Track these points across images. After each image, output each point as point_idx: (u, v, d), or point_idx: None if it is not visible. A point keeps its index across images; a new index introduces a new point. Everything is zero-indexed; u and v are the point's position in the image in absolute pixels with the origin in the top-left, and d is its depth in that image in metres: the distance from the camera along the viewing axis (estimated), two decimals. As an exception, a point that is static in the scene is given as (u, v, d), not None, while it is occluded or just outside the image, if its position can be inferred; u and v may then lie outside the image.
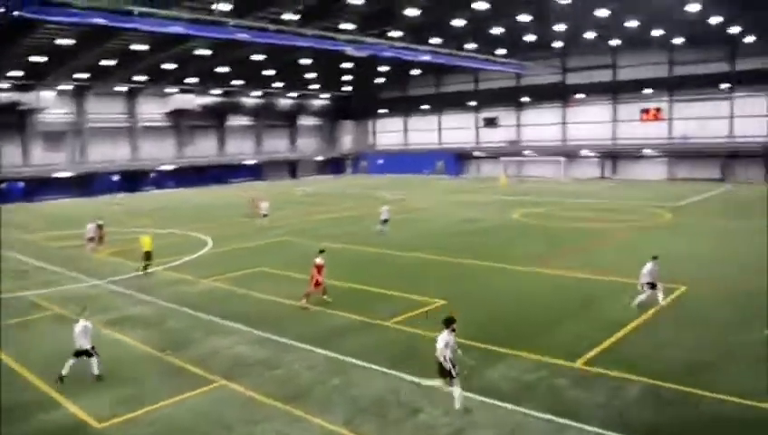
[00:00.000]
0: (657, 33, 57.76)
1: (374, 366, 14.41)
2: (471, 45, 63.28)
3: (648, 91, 69.89)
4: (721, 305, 18.68)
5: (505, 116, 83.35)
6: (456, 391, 12.05)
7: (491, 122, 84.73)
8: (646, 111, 71.18)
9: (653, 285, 18.55)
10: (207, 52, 61.46)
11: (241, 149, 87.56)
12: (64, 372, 14.07)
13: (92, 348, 14.27)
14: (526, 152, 79.40)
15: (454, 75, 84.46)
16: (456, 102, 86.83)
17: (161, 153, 78.62)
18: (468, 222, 38.30)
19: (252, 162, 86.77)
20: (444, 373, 12.15)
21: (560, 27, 55.99)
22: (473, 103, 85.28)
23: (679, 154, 68.77)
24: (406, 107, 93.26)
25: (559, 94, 77.39)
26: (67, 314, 19.86)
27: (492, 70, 71.74)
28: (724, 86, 65.04)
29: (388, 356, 15.05)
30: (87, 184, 69.87)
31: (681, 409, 11.83)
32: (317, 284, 19.99)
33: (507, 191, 59.49)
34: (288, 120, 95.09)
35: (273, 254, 29.50)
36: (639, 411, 11.75)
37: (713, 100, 66.60)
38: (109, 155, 73.37)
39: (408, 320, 17.95)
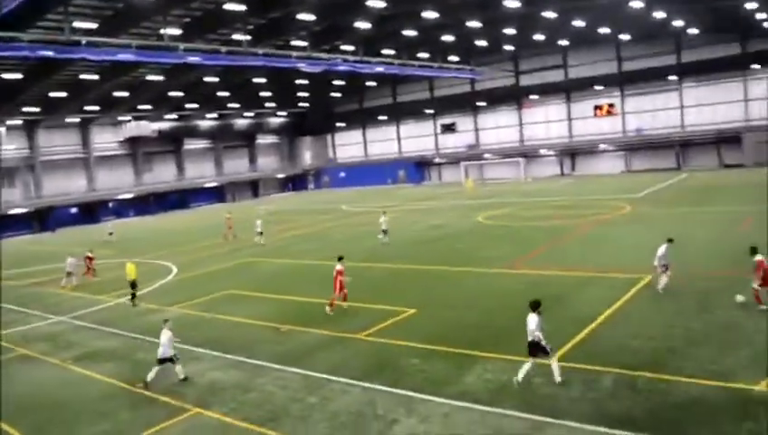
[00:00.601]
0: (604, 30, 59.01)
1: (349, 380, 14.37)
2: (424, 54, 63.89)
3: (599, 87, 71.32)
4: (683, 291, 19.03)
5: (463, 121, 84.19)
6: (555, 364, 13.20)
7: (449, 128, 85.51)
8: (599, 107, 72.60)
9: (666, 268, 19.12)
10: (159, 77, 60.97)
11: (201, 173, 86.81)
12: (149, 378, 15.18)
13: (175, 356, 15.54)
14: (486, 155, 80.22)
15: (409, 84, 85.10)
16: (413, 111, 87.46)
17: (119, 182, 77.49)
18: (434, 229, 38.49)
19: (213, 184, 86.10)
20: (538, 351, 13.25)
21: (510, 31, 56.87)
22: (430, 111, 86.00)
23: (635, 147, 70.22)
24: (363, 119, 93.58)
25: (513, 96, 78.49)
26: (32, 355, 19.41)
27: (446, 77, 72.46)
28: (672, 78, 66.72)
29: (362, 369, 15.02)
30: (44, 219, 68.50)
31: (654, 396, 12.02)
32: (340, 288, 20.67)
33: (470, 195, 60.00)
34: (246, 139, 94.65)
35: (239, 276, 29.26)
36: (614, 403, 11.92)
37: (663, 92, 68.26)
38: (64, 188, 72.06)
39: (380, 331, 17.95)
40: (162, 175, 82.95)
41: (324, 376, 14.81)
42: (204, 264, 33.44)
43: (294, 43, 51.72)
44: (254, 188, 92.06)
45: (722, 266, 21.71)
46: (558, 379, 13.01)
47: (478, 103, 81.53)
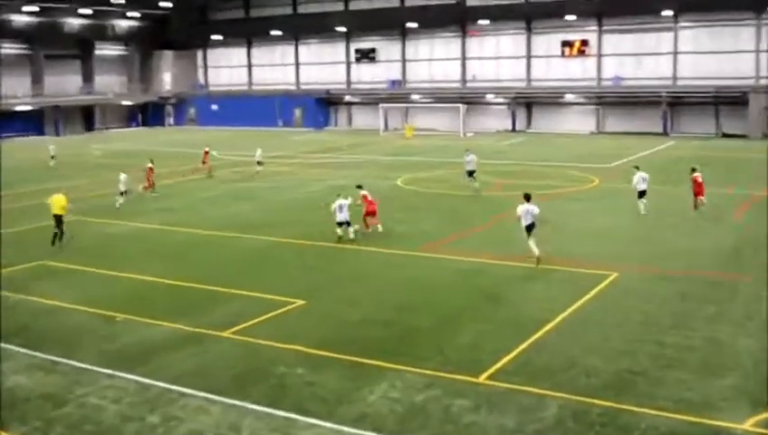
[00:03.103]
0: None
1: (207, 394, 14.28)
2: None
3: (570, 17, 72.53)
4: (656, 296, 19.88)
5: (386, 48, 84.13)
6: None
7: (367, 56, 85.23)
8: (568, 44, 73.96)
9: (643, 193, 30.86)
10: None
11: (11, 90, 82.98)
12: (351, 235, 26.89)
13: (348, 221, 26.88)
14: (414, 97, 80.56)
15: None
16: (319, 28, 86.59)
17: None
18: (336, 191, 38.41)
19: (26, 108, 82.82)
20: (531, 232, 23.09)
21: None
22: (342, 29, 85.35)
23: (611, 101, 72.18)
24: (250, 33, 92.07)
25: (457, 19, 78.83)
26: None
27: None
28: (666, 13, 68.48)
29: (227, 379, 14.95)
30: None
31: (611, 431, 12.53)
32: (371, 213, 28.19)
33: (386, 150, 60.33)
34: (80, 48, 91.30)
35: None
36: (559, 438, 12.36)
37: (653, 31, 70.10)
38: None
39: (253, 328, 17.89)
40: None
41: (173, 387, 14.67)
42: (9, 220, 32.30)
43: None
44: (87, 117, 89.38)
45: (709, 265, 22.80)
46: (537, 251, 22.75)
47: (408, 25, 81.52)
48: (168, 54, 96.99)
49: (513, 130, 75.64)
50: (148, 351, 16.71)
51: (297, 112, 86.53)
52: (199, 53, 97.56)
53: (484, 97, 77.62)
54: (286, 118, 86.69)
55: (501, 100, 77.17)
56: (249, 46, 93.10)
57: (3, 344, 17.30)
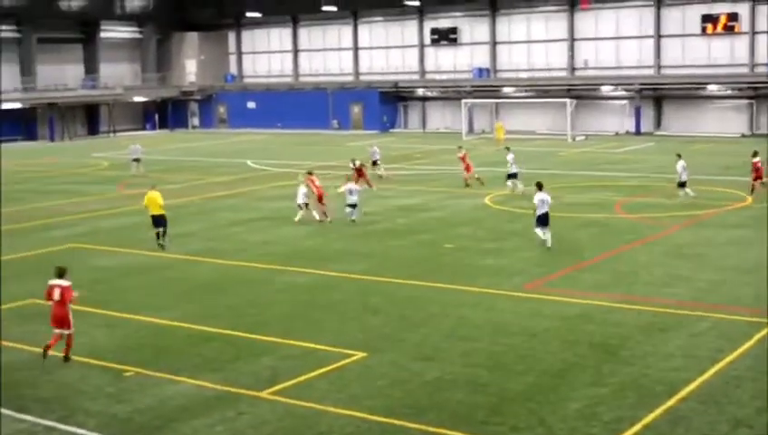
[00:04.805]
0: None
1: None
2: None
3: (714, -15, 71.91)
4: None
5: (471, 27, 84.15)
6: (548, 234, 30.15)
7: (445, 38, 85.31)
8: (711, 19, 73.09)
9: (684, 184, 39.37)
10: None
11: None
12: (354, 217, 36.15)
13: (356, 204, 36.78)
14: (507, 90, 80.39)
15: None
16: (384, 2, 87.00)
17: None
18: (406, 212, 38.69)
19: (14, 106, 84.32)
20: (545, 224, 30.16)
21: None
22: (414, 3, 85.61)
23: (768, 93, 71.13)
24: (295, 8, 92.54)
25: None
26: None
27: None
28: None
29: (265, 454, 14.96)
30: None
31: None
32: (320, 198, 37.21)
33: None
34: (82, 29, 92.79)
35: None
36: None
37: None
38: None
39: (300, 387, 17.89)
40: None
41: (196, 462, 14.74)
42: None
43: None
44: (91, 117, 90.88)
45: None
46: (549, 245, 29.90)
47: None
48: (192, 37, 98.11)
49: (638, 132, 75.03)
50: (166, 415, 16.77)
51: (356, 110, 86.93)
52: (231, 36, 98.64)
53: (598, 90, 77.20)
54: (341, 117, 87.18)
55: (621, 93, 76.64)
56: (295, 26, 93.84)
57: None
